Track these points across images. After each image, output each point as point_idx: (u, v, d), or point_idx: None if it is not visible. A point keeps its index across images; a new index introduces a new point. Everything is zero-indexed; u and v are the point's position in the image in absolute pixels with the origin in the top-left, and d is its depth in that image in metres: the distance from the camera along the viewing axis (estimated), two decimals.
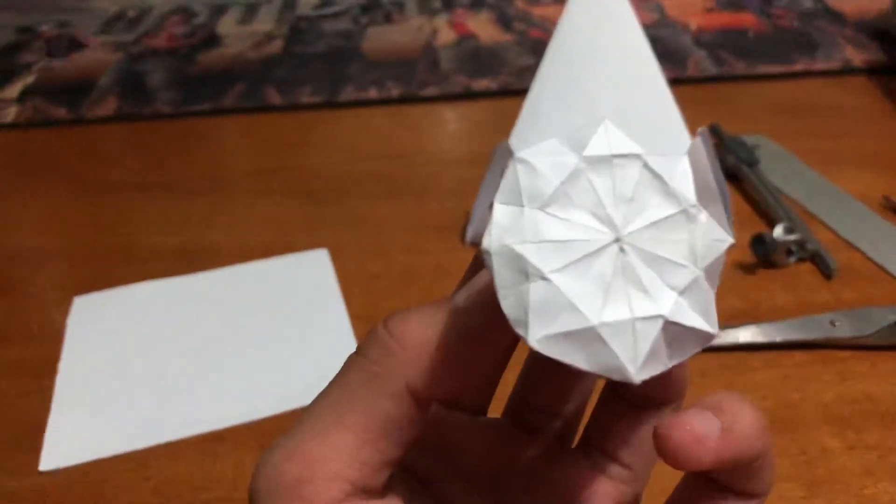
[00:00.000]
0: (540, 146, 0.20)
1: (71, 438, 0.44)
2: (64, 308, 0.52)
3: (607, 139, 0.20)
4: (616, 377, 0.18)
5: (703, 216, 0.20)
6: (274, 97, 0.76)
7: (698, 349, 0.19)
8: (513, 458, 0.26)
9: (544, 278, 0.18)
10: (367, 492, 0.20)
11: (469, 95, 0.75)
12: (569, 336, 0.18)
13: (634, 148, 0.20)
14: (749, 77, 0.74)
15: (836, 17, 0.85)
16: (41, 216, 0.62)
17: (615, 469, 0.24)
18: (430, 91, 0.76)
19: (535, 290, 0.18)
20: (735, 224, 0.55)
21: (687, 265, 0.19)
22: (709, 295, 0.19)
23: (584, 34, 0.57)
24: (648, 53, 0.60)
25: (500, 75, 0.77)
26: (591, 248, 0.19)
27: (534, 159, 0.20)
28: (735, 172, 0.59)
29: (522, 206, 0.19)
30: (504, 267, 0.19)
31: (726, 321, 0.47)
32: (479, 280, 0.21)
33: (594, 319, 0.18)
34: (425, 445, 0.23)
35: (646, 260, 0.19)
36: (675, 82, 0.80)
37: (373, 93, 0.76)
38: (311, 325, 0.50)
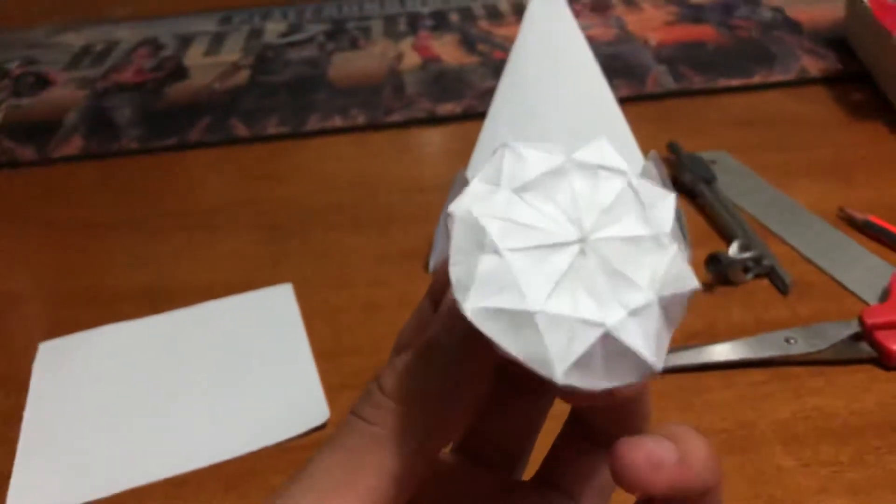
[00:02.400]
0: (535, 144, 0.20)
1: (36, 487, 0.44)
2: (29, 354, 0.52)
3: (601, 152, 0.20)
4: (540, 371, 0.18)
5: (674, 250, 0.19)
6: (240, 129, 0.77)
7: (635, 379, 0.19)
8: (464, 492, 0.26)
9: (498, 253, 0.18)
10: None
11: (434, 120, 0.76)
12: (505, 314, 0.18)
13: (624, 166, 0.20)
14: (708, 91, 0.75)
15: (794, 26, 0.86)
16: (6, 260, 0.62)
17: None
18: (395, 117, 0.76)
19: (487, 261, 0.18)
20: (692, 241, 0.56)
21: (643, 289, 0.19)
22: (661, 327, 0.19)
23: (536, 61, 0.58)
24: (598, 76, 0.61)
25: (465, 98, 0.78)
26: (553, 241, 0.19)
27: (524, 150, 0.20)
28: (692, 189, 0.60)
29: (499, 185, 0.19)
30: (464, 234, 0.19)
31: (683, 341, 0.48)
32: (444, 308, 0.21)
33: (535, 306, 0.18)
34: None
35: (604, 269, 0.19)
36: (634, 99, 0.81)
37: (338, 121, 0.76)
38: (276, 362, 0.50)
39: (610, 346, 0.18)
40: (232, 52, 0.94)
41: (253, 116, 0.78)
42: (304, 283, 0.56)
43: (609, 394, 0.19)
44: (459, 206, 0.19)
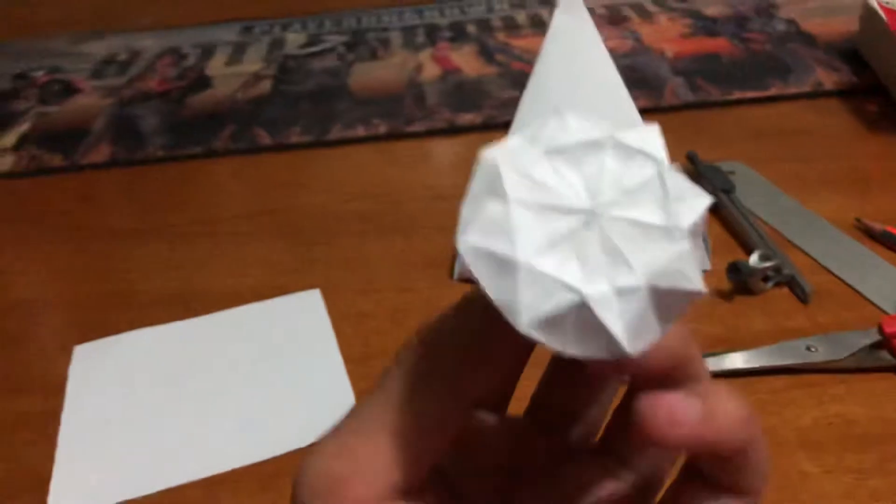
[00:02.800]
0: (585, 115, 0.20)
1: (76, 487, 0.45)
2: (65, 357, 0.53)
3: (645, 138, 0.20)
4: (507, 315, 0.18)
5: (684, 246, 0.19)
6: (264, 138, 0.78)
7: (605, 356, 0.19)
8: (529, 456, 0.26)
9: (505, 201, 0.19)
10: (406, 491, 0.21)
11: (454, 130, 0.77)
12: (493, 258, 0.18)
13: (662, 156, 0.20)
14: (724, 103, 0.76)
15: (808, 39, 0.87)
16: (39, 265, 0.64)
17: (627, 474, 0.25)
18: (416, 127, 0.77)
19: (493, 206, 0.19)
20: (713, 251, 0.57)
21: (636, 272, 0.18)
22: (647, 316, 0.19)
23: (560, 74, 0.59)
24: (622, 88, 0.62)
25: (484, 109, 0.79)
26: (563, 204, 0.19)
27: (570, 118, 0.20)
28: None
29: (534, 144, 0.20)
30: (482, 178, 0.19)
31: (705, 349, 0.49)
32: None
33: (522, 257, 0.18)
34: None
35: (604, 244, 0.19)
36: (652, 111, 0.82)
37: (360, 130, 0.78)
38: (307, 365, 0.51)
39: (585, 317, 0.18)
40: (254, 62, 0.95)
41: (276, 125, 0.80)
42: (332, 288, 0.58)
43: (616, 366, 0.19)
44: (489, 153, 0.19)
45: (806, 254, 0.57)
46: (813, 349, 0.48)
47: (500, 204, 0.19)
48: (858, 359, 0.47)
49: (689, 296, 0.19)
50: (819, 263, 0.56)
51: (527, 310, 0.18)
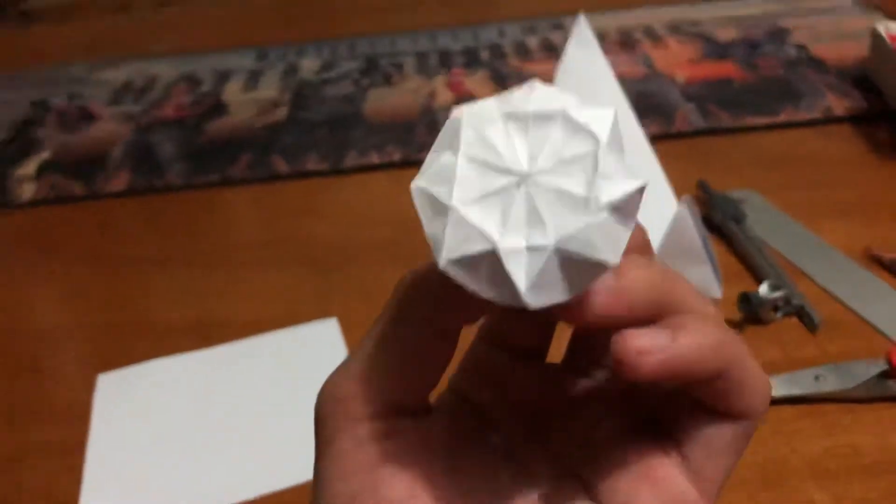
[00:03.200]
0: (560, 89, 0.22)
1: None
2: (89, 386, 0.55)
3: (597, 119, 0.21)
4: (433, 251, 0.21)
5: (600, 219, 0.20)
6: (281, 165, 0.79)
7: (510, 303, 0.21)
8: (558, 396, 0.28)
9: (455, 155, 0.21)
10: (406, 409, 0.25)
11: None
12: (433, 199, 0.21)
13: (603, 139, 0.21)
14: (735, 129, 0.77)
15: (819, 64, 0.88)
16: (62, 294, 0.65)
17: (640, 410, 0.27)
18: None
19: (445, 158, 0.21)
20: (723, 280, 0.57)
21: (549, 234, 0.20)
22: (551, 276, 0.20)
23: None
24: (632, 118, 0.63)
25: None
26: (502, 165, 0.21)
27: (539, 86, 0.22)
28: (722, 228, 0.62)
29: (499, 106, 0.22)
30: (448, 131, 0.22)
31: None
32: None
33: (454, 203, 0.21)
34: (482, 379, 0.28)
35: (527, 205, 0.21)
36: (663, 137, 0.83)
37: (374, 157, 0.79)
38: None
39: (495, 265, 0.20)
40: (269, 88, 0.97)
41: (292, 153, 0.81)
42: (348, 317, 0.59)
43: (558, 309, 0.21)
44: (457, 110, 0.22)
45: (816, 283, 0.57)
46: (822, 379, 0.49)
47: (452, 156, 0.21)
48: (867, 388, 0.48)
49: (596, 266, 0.20)
50: (828, 293, 0.56)
51: (447, 249, 0.21)
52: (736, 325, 0.54)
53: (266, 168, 0.79)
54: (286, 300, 0.62)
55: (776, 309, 0.54)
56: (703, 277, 0.51)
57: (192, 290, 0.64)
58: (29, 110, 0.97)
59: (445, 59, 0.99)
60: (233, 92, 0.97)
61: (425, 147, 0.80)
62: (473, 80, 0.92)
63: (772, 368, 0.50)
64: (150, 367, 0.56)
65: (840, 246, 0.60)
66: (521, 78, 0.92)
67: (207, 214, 0.74)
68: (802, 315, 0.54)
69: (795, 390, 0.48)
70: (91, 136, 0.90)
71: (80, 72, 1.07)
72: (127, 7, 1.30)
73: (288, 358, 0.56)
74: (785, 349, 0.52)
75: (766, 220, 0.63)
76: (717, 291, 0.57)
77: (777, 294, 0.54)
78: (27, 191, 0.80)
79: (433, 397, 0.27)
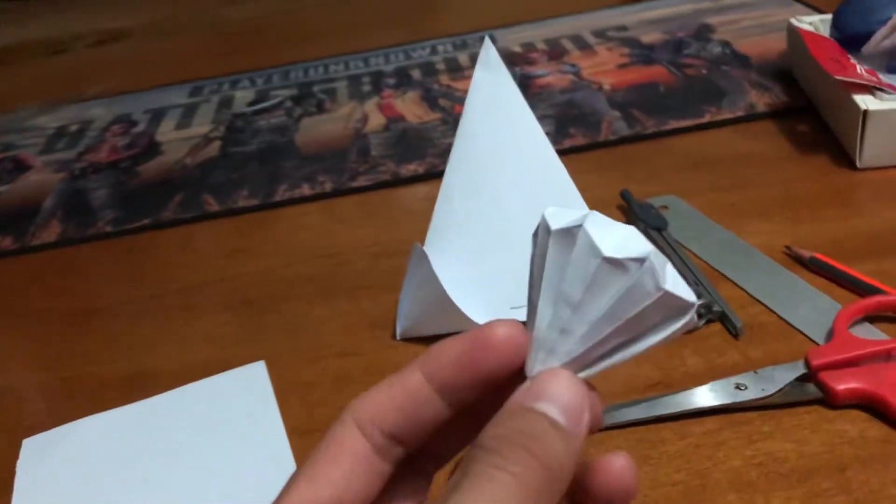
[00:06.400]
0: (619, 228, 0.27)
1: None
2: (12, 452, 0.54)
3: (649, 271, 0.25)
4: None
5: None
6: (212, 204, 0.79)
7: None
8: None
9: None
10: (385, 453, 0.28)
11: (398, 182, 0.78)
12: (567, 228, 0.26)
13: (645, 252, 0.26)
14: (659, 134, 0.78)
15: (743, 60, 0.88)
16: None
17: None
18: (361, 181, 0.78)
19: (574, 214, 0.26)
20: None
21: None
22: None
23: (483, 130, 0.61)
24: (542, 137, 0.63)
25: (427, 157, 0.80)
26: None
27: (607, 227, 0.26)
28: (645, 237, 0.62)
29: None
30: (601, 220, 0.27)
31: (640, 393, 0.50)
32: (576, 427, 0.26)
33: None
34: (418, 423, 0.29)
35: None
36: (590, 148, 0.83)
37: (306, 189, 0.79)
38: (250, 442, 0.52)
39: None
40: (203, 123, 0.96)
41: (224, 190, 0.81)
42: (277, 358, 0.58)
43: None
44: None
45: (738, 286, 0.58)
46: (742, 387, 0.49)
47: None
48: (786, 394, 0.48)
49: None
50: (751, 296, 0.57)
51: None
52: None
53: (197, 207, 0.79)
54: (217, 345, 0.61)
55: (699, 316, 0.54)
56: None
57: (121, 342, 0.63)
58: None
59: (377, 81, 0.99)
60: (166, 130, 0.96)
61: (356, 174, 0.79)
62: (404, 101, 0.92)
63: (694, 379, 0.50)
64: (77, 426, 0.55)
65: (763, 246, 0.61)
66: (450, 96, 0.92)
67: (139, 260, 0.73)
68: (725, 321, 0.54)
69: (717, 401, 0.49)
70: (23, 186, 0.89)
71: (15, 120, 1.06)
72: (63, 51, 1.29)
73: (215, 406, 0.55)
74: (708, 357, 0.52)
75: (688, 226, 0.63)
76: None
77: (699, 301, 0.54)
78: None
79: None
